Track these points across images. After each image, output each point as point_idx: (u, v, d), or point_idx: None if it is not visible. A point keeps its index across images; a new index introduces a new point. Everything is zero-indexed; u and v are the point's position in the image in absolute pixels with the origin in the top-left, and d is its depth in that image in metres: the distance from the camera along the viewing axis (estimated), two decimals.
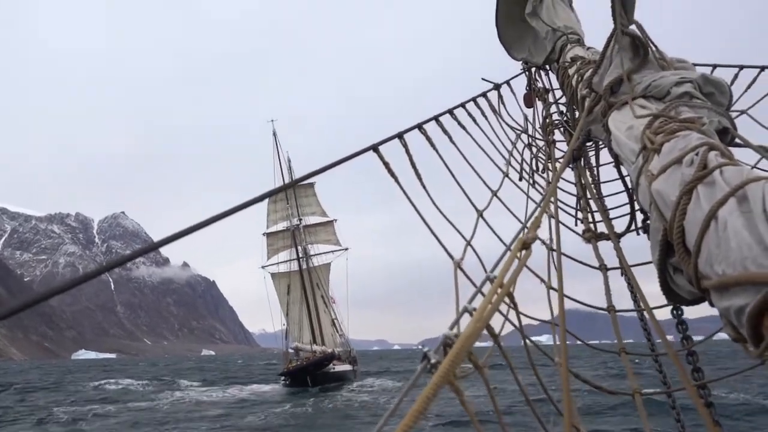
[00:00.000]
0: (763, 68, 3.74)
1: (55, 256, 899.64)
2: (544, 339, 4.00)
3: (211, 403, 40.96)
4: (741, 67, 3.74)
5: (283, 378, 59.28)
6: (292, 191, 76.67)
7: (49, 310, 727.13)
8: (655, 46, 2.89)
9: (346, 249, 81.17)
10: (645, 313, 2.91)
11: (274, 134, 79.39)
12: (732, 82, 3.50)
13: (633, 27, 2.87)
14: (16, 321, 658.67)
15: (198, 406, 39.14)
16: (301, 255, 77.88)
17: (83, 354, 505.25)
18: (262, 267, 78.53)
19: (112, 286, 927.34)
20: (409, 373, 55.44)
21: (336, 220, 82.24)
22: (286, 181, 74.20)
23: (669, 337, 2.60)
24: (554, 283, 2.62)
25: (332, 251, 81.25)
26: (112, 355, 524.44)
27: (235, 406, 38.39)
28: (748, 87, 3.58)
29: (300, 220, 79.36)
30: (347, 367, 65.81)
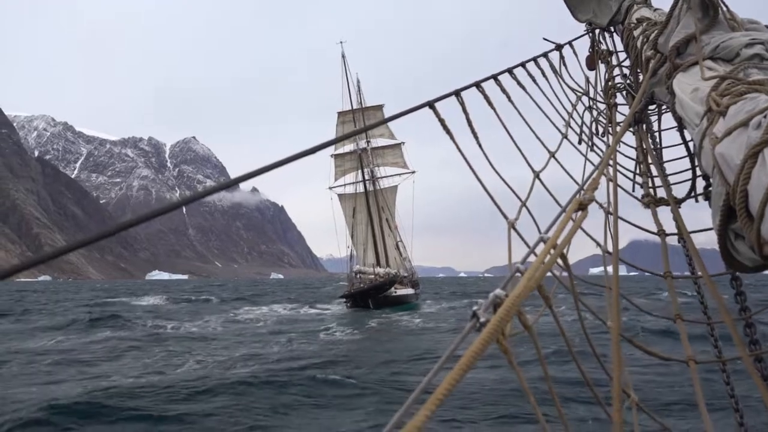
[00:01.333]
0: None
1: (129, 179, 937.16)
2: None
3: (282, 319, 43.23)
4: None
5: (345, 300, 60.29)
6: (362, 113, 75.11)
7: (124, 233, 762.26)
8: (726, 6, 2.81)
9: (413, 172, 79.10)
10: (702, 280, 2.86)
11: (343, 56, 77.68)
12: None
13: None
14: (97, 243, 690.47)
15: (273, 322, 40.96)
16: (367, 177, 76.63)
17: (157, 275, 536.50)
18: (329, 188, 77.74)
19: (184, 210, 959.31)
20: (465, 300, 62.93)
21: (404, 143, 79.96)
22: (355, 103, 78.20)
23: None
24: (609, 247, 2.67)
25: (399, 174, 79.09)
26: (185, 276, 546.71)
27: (304, 322, 40.64)
28: None
29: (368, 142, 77.63)
30: (409, 290, 65.03)
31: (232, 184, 1.60)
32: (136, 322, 42.30)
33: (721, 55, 2.59)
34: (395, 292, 60.90)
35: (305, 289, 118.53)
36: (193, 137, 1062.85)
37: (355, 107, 77.64)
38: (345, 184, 77.72)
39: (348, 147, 77.27)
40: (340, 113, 76.85)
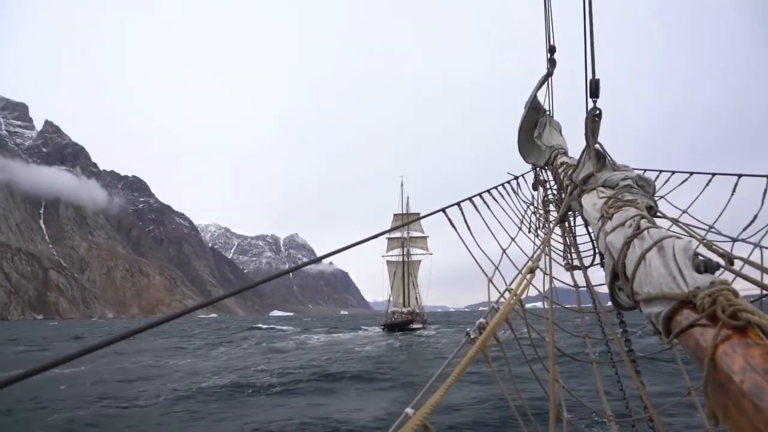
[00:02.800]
0: (672, 172, 3.41)
1: (260, 259, 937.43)
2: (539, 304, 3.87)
3: (341, 339, 41.95)
4: (660, 171, 3.44)
5: (383, 327, 60.27)
6: (407, 217, 73.47)
7: (258, 289, 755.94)
8: (610, 157, 2.70)
9: (431, 254, 78.52)
10: (600, 314, 2.72)
11: (402, 185, 78.98)
12: (656, 179, 3.30)
13: (597, 145, 2.67)
14: (241, 293, 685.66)
15: (337, 341, 40.02)
16: (405, 254, 76.44)
17: (275, 312, 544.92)
18: (382, 256, 77.52)
19: (291, 275, 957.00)
20: (451, 327, 60.52)
21: (428, 236, 79.47)
22: (404, 210, 78.01)
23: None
24: (547, 293, 2.50)
25: (423, 254, 78.61)
26: (291, 313, 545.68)
27: (355, 340, 39.65)
28: (665, 183, 3.31)
29: (408, 232, 77.03)
30: (420, 325, 63.85)
31: (320, 259, 1.52)
32: (278, 335, 47.03)
33: (608, 184, 2.53)
34: (411, 326, 60.86)
35: (357, 320, 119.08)
36: (296, 233, 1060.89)
37: (404, 212, 78.22)
38: (392, 255, 77.47)
39: (396, 234, 77.79)
40: (395, 215, 76.39)
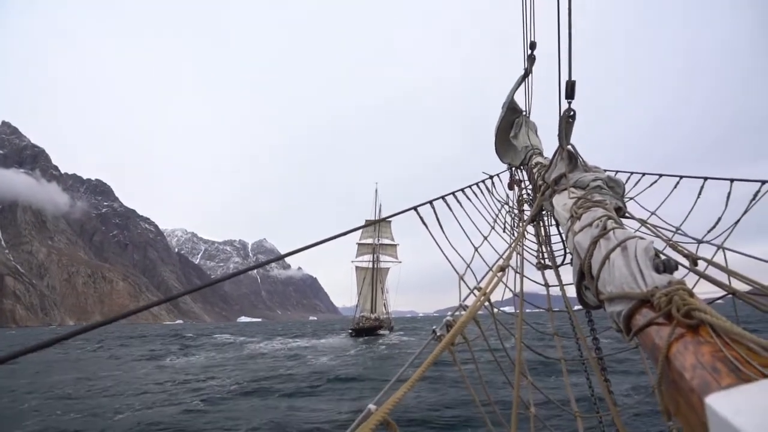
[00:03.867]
0: (643, 174, 3.39)
1: (227, 264, 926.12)
2: (508, 309, 3.86)
3: (306, 347, 39.65)
4: (631, 173, 3.42)
5: (350, 332, 59.74)
6: (378, 224, 72.29)
7: (224, 294, 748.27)
8: (582, 158, 2.71)
9: (400, 262, 78.28)
10: (569, 312, 2.72)
11: (376, 192, 76.83)
12: (626, 181, 3.31)
13: (569, 147, 2.66)
14: (206, 299, 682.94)
15: (300, 347, 38.60)
16: (375, 260, 75.83)
17: (243, 319, 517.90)
18: (351, 262, 76.90)
19: (259, 281, 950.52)
20: (415, 332, 60.10)
21: (398, 244, 79.11)
22: (377, 216, 76.62)
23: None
24: (518, 291, 2.52)
25: (392, 262, 78.11)
26: (258, 319, 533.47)
27: (322, 348, 38.03)
28: (635, 184, 3.31)
29: (378, 239, 76.71)
30: (386, 332, 63.22)
31: (285, 257, 1.47)
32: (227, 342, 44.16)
33: (578, 185, 2.53)
34: (379, 332, 60.93)
35: (325, 326, 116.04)
36: (264, 238, 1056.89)
37: (376, 218, 73.57)
38: (361, 261, 76.69)
39: (368, 240, 76.94)
40: (367, 220, 71.93)
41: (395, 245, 79.25)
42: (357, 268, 76.96)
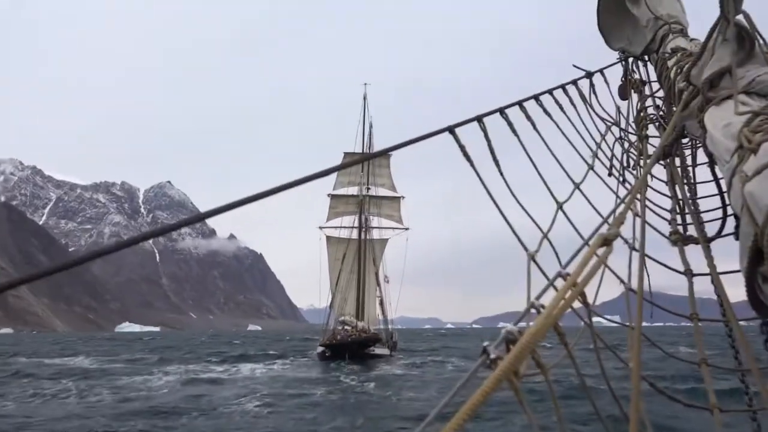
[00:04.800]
0: None
1: (100, 226, 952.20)
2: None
3: (222, 380, 41.04)
4: None
5: (324, 348, 61.86)
6: (368, 161, 78.94)
7: (93, 281, 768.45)
8: (763, 39, 2.80)
9: (407, 229, 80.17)
10: (731, 323, 2.86)
11: (365, 98, 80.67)
12: None
13: (740, 17, 2.72)
14: (58, 291, 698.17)
15: (211, 380, 40.47)
16: (364, 224, 78.06)
17: (127, 327, 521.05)
18: (320, 228, 79.00)
19: (158, 258, 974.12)
20: (438, 357, 61.24)
21: (403, 197, 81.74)
22: (365, 148, 78.42)
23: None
24: (634, 285, 2.69)
25: (393, 228, 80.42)
26: (156, 328, 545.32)
27: (253, 384, 38.42)
28: None
29: (368, 189, 79.30)
30: (385, 351, 65.62)
31: (205, 217, 1.63)
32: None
33: (756, 89, 2.61)
34: (374, 350, 63.02)
35: (271, 343, 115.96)
36: (168, 182, 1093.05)
37: (364, 148, 78.61)
38: (339, 227, 78.95)
39: (350, 190, 79.28)
40: (346, 153, 76.74)
41: (398, 198, 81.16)
42: (329, 239, 78.71)
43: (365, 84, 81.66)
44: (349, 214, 78.76)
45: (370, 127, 79.89)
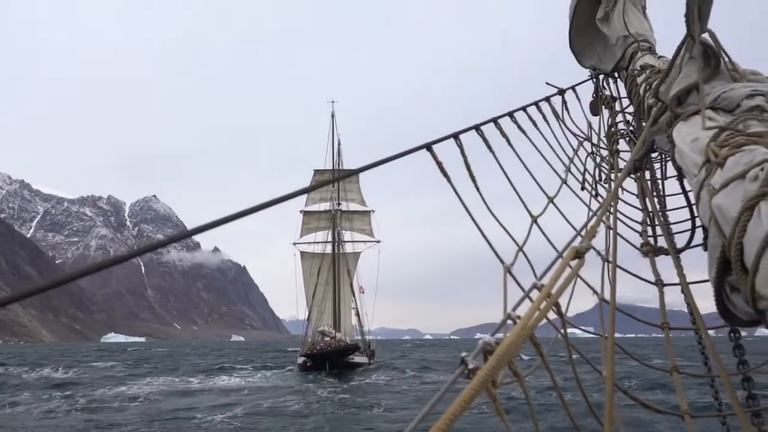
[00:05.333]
0: None
1: (87, 239, 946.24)
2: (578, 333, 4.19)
3: (195, 391, 40.33)
4: None
5: (305, 359, 61.26)
6: (338, 174, 70.73)
7: (80, 292, 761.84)
8: (728, 56, 2.86)
9: (379, 242, 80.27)
10: (700, 331, 2.90)
11: (333, 116, 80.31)
12: None
13: (706, 35, 2.81)
14: (46, 302, 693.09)
15: (183, 393, 39.60)
16: (337, 238, 78.69)
17: (113, 337, 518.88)
18: (294, 243, 79.05)
19: (143, 270, 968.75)
20: (417, 367, 60.73)
21: (373, 211, 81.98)
22: (335, 164, 79.10)
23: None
24: (607, 296, 2.70)
25: (364, 241, 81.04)
26: (141, 339, 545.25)
27: (235, 395, 37.60)
28: None
29: (339, 204, 79.53)
30: (364, 359, 66.73)
31: (188, 235, 1.61)
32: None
33: (721, 105, 2.63)
34: (353, 359, 63.36)
35: (258, 351, 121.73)
36: (154, 196, 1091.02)
37: (334, 164, 79.82)
38: (313, 243, 79.68)
39: (323, 206, 79.60)
40: (316, 171, 78.10)
41: (368, 212, 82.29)
42: (303, 254, 79.59)
43: (332, 102, 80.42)
44: (321, 229, 79.61)
45: (338, 143, 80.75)
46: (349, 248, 79.70)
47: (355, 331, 75.96)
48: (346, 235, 79.68)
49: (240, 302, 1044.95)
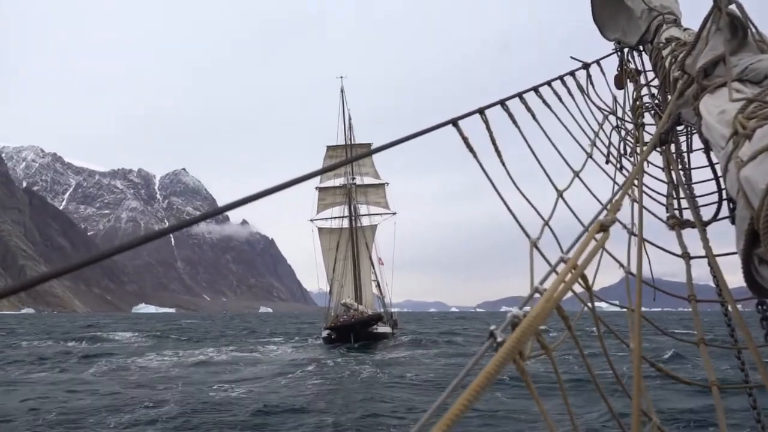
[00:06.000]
0: None
1: (118, 211, 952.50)
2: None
3: (224, 363, 40.05)
4: None
5: (329, 331, 61.50)
6: (350, 149, 76.51)
7: (111, 264, 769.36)
8: (755, 28, 2.80)
9: (394, 213, 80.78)
10: (728, 305, 2.90)
11: (342, 91, 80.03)
12: None
13: (733, 6, 2.77)
14: (78, 273, 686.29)
15: (215, 363, 39.82)
16: (353, 212, 79.16)
17: (143, 308, 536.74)
18: (311, 220, 79.39)
19: (173, 242, 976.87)
20: (442, 340, 60.58)
21: (387, 183, 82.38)
22: (347, 140, 79.60)
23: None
24: (633, 269, 2.72)
25: (380, 214, 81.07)
26: (172, 310, 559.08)
27: (257, 369, 36.54)
28: None
29: (353, 178, 79.93)
30: (387, 329, 66.85)
31: (218, 212, 1.62)
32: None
33: (749, 77, 2.61)
34: (377, 329, 63.03)
35: (278, 324, 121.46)
36: (183, 169, 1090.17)
37: (347, 140, 79.85)
38: (330, 218, 79.76)
39: (337, 181, 79.33)
40: (329, 147, 78.46)
41: (382, 185, 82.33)
42: (321, 230, 79.94)
43: (341, 77, 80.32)
44: (337, 204, 79.43)
45: (350, 118, 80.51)
46: (365, 221, 79.87)
47: (377, 303, 76.16)
48: (362, 209, 79.94)
49: (268, 274, 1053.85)
